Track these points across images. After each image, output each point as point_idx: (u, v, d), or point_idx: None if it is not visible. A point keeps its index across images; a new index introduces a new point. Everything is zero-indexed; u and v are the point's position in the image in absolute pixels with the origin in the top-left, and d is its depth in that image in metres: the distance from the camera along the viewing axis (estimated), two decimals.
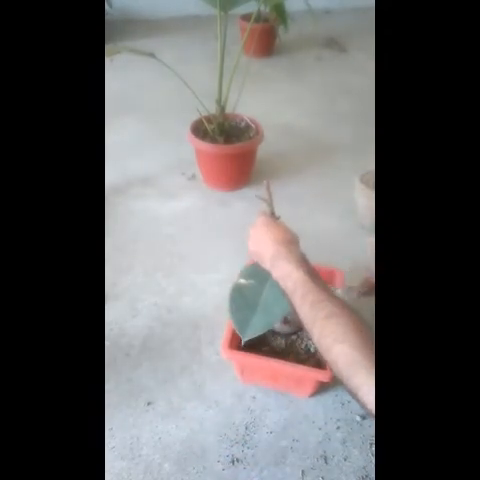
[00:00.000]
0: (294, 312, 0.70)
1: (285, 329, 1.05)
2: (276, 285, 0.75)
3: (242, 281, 0.90)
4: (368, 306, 0.97)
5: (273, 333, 1.06)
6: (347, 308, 0.65)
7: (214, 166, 1.68)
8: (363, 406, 0.55)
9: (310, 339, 1.04)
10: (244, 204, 1.65)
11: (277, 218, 0.89)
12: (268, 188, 0.88)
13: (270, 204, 0.89)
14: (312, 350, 1.03)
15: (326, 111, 2.29)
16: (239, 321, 0.85)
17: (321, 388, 1.05)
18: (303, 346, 1.04)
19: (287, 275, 0.71)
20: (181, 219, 1.60)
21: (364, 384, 0.54)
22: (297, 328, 1.05)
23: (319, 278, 0.72)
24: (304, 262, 0.74)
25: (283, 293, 0.74)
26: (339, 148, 1.99)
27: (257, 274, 0.87)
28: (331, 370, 0.63)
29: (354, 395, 0.56)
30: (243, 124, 1.75)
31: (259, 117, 1.77)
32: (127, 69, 2.49)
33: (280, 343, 1.05)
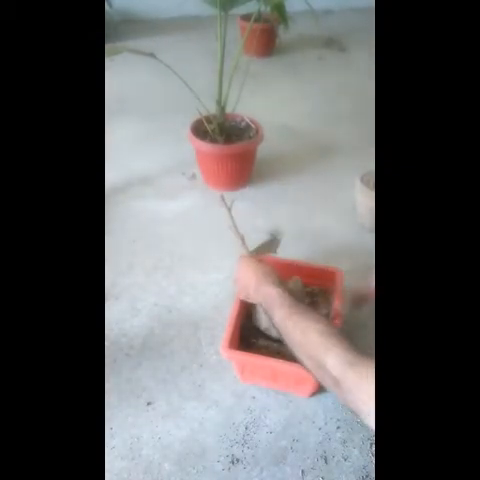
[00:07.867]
0: (273, 326, 0.79)
1: None
2: None
3: None
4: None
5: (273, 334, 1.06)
6: (323, 319, 0.73)
7: (214, 166, 1.68)
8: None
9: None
10: (244, 204, 1.65)
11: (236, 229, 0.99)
12: (224, 201, 0.97)
13: (231, 216, 0.97)
14: None
15: (326, 111, 2.29)
16: None
17: (321, 388, 1.04)
18: None
19: (268, 294, 0.83)
20: (181, 219, 1.60)
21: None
22: None
23: (295, 296, 0.82)
24: (282, 285, 0.85)
25: (265, 313, 0.83)
26: (339, 148, 1.99)
27: None
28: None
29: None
30: (243, 124, 1.75)
31: (259, 117, 1.77)
32: (127, 69, 2.49)
33: (280, 343, 1.04)
